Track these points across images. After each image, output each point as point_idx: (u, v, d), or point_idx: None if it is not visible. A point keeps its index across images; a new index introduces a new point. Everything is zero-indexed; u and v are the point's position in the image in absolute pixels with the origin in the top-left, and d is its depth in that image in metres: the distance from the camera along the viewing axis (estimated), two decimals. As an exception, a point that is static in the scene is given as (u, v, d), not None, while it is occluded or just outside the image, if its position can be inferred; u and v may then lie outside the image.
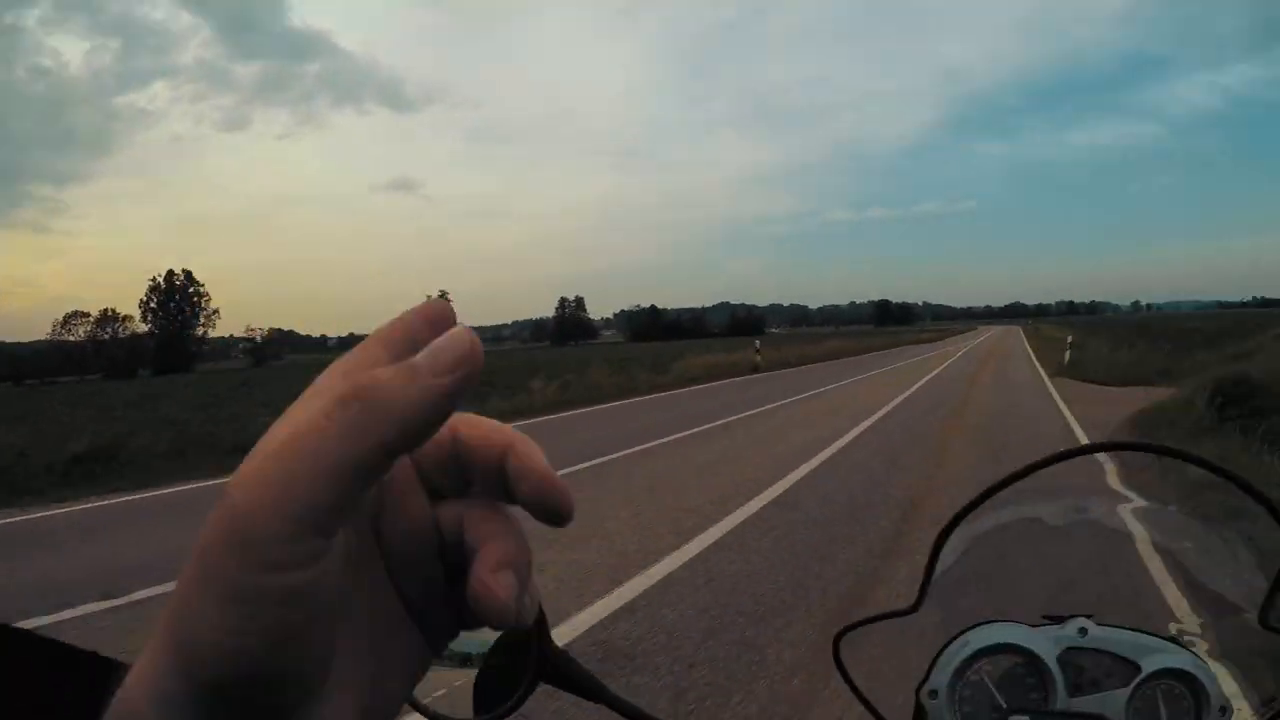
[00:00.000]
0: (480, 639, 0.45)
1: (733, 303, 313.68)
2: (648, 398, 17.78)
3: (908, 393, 15.83)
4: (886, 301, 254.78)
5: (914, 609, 0.71)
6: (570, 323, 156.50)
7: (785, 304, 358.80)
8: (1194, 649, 0.74)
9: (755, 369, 24.62)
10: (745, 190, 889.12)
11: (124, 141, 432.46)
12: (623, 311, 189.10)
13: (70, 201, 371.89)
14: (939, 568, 0.73)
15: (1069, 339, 23.31)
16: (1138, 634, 0.74)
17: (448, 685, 0.45)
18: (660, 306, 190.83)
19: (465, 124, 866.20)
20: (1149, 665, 0.72)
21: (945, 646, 0.75)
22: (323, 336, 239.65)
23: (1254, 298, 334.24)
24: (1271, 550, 0.63)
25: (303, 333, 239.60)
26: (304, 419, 0.22)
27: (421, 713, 0.43)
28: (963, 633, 0.76)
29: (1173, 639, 0.75)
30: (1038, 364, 23.72)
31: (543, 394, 17.78)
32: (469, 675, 0.46)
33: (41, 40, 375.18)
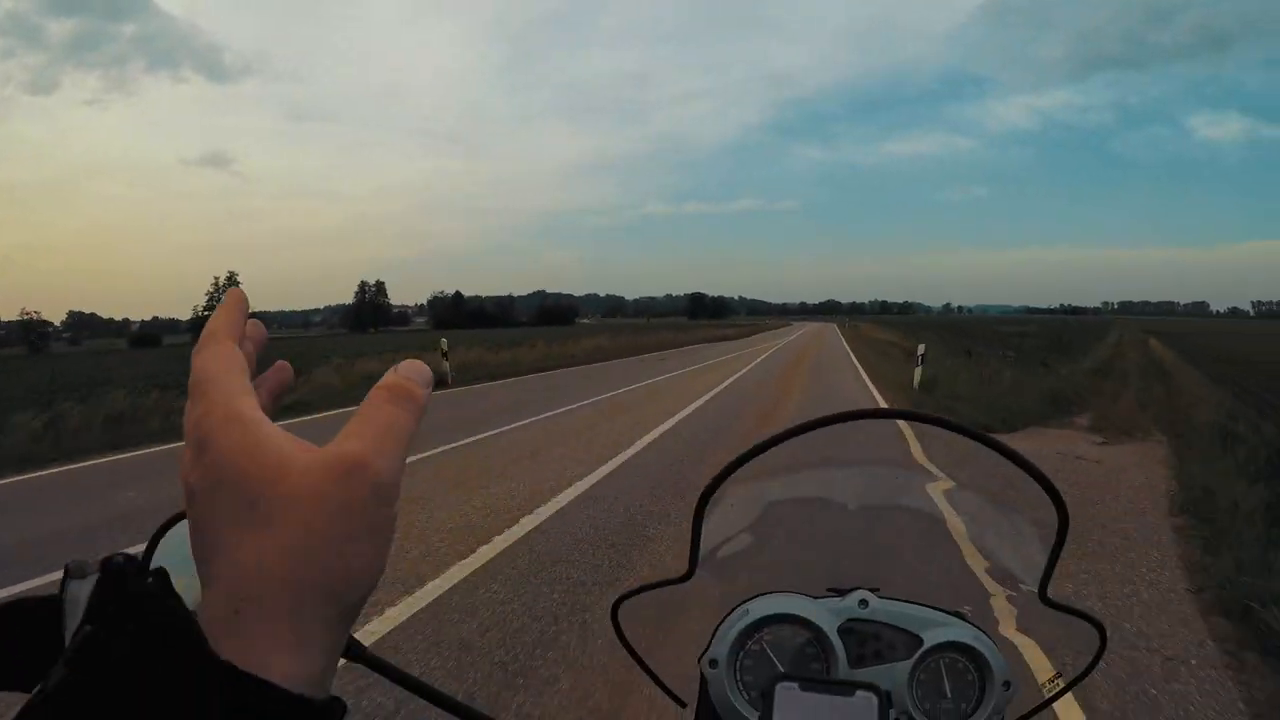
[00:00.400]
0: None
1: (549, 291, 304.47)
2: (124, 458, 8.56)
3: (610, 466, 7.19)
4: (700, 295, 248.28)
5: (687, 576, 0.71)
6: (369, 308, 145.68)
7: (602, 294, 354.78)
8: (979, 624, 0.74)
9: (444, 383, 15.42)
10: (567, 180, 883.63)
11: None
12: (435, 298, 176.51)
13: None
14: (722, 534, 0.76)
15: (921, 350, 14.98)
16: (920, 608, 0.74)
17: None
18: (469, 293, 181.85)
19: (285, 99, 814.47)
20: (931, 638, 0.72)
21: (726, 616, 0.75)
22: (125, 320, 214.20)
23: (1060, 305, 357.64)
24: (1050, 529, 0.65)
25: (105, 315, 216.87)
26: (390, 411, 0.30)
27: None
28: (744, 602, 0.76)
29: (957, 613, 0.75)
30: (871, 386, 15.68)
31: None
32: None
33: None
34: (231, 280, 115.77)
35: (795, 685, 0.64)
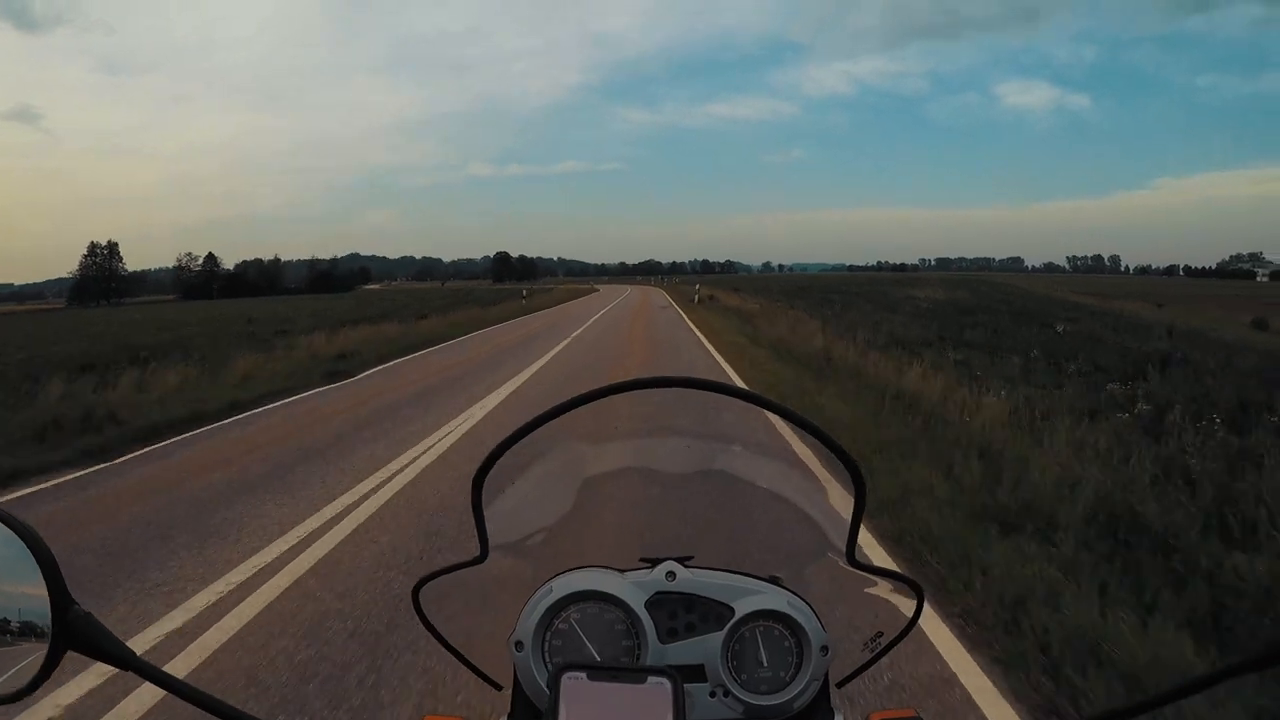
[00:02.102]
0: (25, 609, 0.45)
1: (363, 255, 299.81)
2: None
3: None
4: (505, 255, 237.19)
5: (481, 558, 0.70)
6: (98, 277, 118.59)
7: (418, 256, 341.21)
8: (793, 589, 0.74)
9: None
10: (389, 140, 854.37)
11: None
12: (180, 264, 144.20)
13: None
14: (531, 508, 0.77)
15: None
16: (731, 576, 0.73)
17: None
18: (287, 257, 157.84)
19: (97, 50, 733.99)
20: (743, 607, 0.71)
21: (532, 595, 0.72)
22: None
23: (879, 262, 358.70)
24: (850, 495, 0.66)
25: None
26: None
27: None
28: (548, 580, 0.73)
29: (771, 580, 0.75)
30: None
31: None
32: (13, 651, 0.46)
33: None
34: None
35: (582, 674, 0.59)
